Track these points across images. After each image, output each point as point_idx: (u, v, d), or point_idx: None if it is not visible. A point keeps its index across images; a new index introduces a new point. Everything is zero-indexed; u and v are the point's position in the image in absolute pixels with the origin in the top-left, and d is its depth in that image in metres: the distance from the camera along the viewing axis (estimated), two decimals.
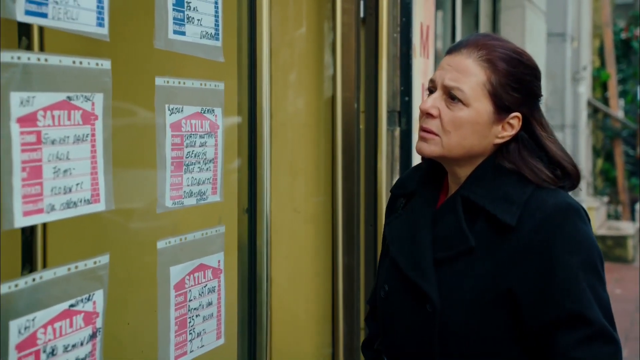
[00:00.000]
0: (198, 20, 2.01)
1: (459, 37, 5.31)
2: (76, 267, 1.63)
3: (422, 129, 1.93)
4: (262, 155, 2.55)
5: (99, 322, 1.69)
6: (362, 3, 3.41)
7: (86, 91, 1.62)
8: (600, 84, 13.84)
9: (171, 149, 1.96)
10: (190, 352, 2.07)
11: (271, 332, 2.89)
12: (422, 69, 3.81)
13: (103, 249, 1.73)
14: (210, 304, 2.14)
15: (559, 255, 1.82)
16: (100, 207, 1.67)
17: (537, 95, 1.96)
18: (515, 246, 1.84)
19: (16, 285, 1.48)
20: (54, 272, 1.57)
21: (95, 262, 1.68)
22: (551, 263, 1.82)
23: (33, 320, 1.51)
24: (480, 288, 1.85)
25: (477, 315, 1.85)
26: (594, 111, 13.10)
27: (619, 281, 9.20)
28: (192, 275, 2.07)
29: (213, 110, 2.11)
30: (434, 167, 2.03)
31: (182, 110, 1.99)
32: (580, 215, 1.87)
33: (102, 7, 1.65)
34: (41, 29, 1.92)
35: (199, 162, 2.06)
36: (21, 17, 1.46)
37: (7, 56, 1.43)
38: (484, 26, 6.43)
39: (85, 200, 1.62)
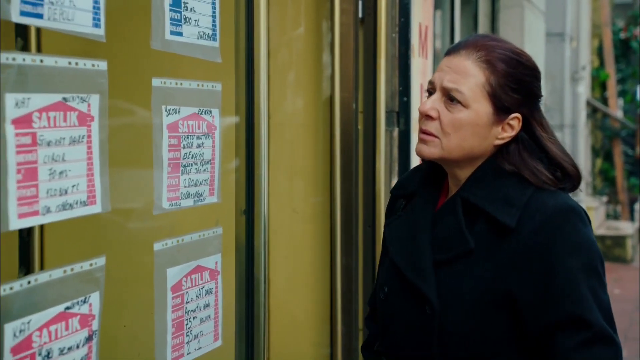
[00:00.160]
0: (195, 20, 2.00)
1: (457, 37, 5.31)
2: (72, 269, 1.62)
3: (422, 131, 1.92)
4: (259, 156, 2.55)
5: (95, 325, 1.68)
6: (360, 3, 3.41)
7: (82, 92, 1.61)
8: (599, 83, 13.85)
9: (168, 150, 1.95)
10: (188, 354, 2.06)
11: (269, 333, 2.89)
12: (420, 69, 3.80)
13: (100, 250, 1.72)
14: (207, 305, 2.14)
15: (559, 257, 1.81)
16: (96, 208, 1.66)
17: (537, 95, 1.95)
18: (515, 248, 1.83)
19: (11, 288, 1.47)
20: (49, 275, 1.56)
21: (91, 264, 1.67)
22: (551, 265, 1.81)
23: (28, 323, 1.50)
24: (479, 290, 1.84)
25: (476, 317, 1.85)
26: (593, 111, 13.11)
27: (617, 281, 9.20)
28: (189, 277, 2.06)
29: (210, 111, 2.10)
30: (434, 168, 2.03)
31: (179, 111, 1.98)
32: (580, 217, 1.86)
33: (98, 8, 1.64)
34: (38, 30, 1.91)
35: (196, 163, 2.05)
36: (16, 18, 1.45)
37: (3, 57, 1.42)
38: (483, 26, 6.42)
39: (81, 202, 1.61)
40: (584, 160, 11.43)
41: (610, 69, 13.71)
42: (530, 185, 1.88)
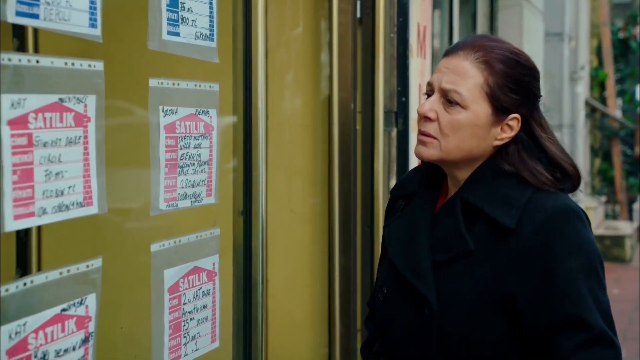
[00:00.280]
0: (192, 20, 2.00)
1: (456, 37, 5.31)
2: (68, 270, 1.61)
3: (421, 133, 1.91)
4: (257, 157, 2.54)
5: (91, 327, 1.67)
6: (358, 3, 3.40)
7: (78, 93, 1.61)
8: (598, 83, 13.84)
9: (165, 151, 1.95)
10: (185, 355, 2.06)
11: (267, 334, 2.88)
12: (419, 69, 3.79)
13: (96, 252, 1.71)
14: (204, 307, 2.13)
15: (558, 258, 1.80)
16: (93, 210, 1.65)
17: (535, 95, 1.95)
18: (514, 249, 1.83)
19: (7, 290, 1.46)
20: (45, 276, 1.56)
21: (87, 266, 1.66)
22: (551, 266, 1.80)
23: (24, 325, 1.50)
24: (479, 291, 1.84)
25: (475, 318, 1.84)
26: (591, 111, 13.10)
27: (616, 281, 9.20)
28: (186, 278, 2.05)
29: (208, 111, 2.09)
30: (434, 169, 2.02)
31: (176, 112, 1.97)
32: (580, 218, 1.85)
33: (95, 8, 1.63)
34: (35, 30, 1.90)
35: (194, 164, 2.04)
36: (12, 19, 1.45)
37: None
38: (482, 26, 6.42)
39: (77, 203, 1.61)
40: (582, 160, 11.43)
41: (609, 68, 13.71)
42: (529, 186, 1.88)
